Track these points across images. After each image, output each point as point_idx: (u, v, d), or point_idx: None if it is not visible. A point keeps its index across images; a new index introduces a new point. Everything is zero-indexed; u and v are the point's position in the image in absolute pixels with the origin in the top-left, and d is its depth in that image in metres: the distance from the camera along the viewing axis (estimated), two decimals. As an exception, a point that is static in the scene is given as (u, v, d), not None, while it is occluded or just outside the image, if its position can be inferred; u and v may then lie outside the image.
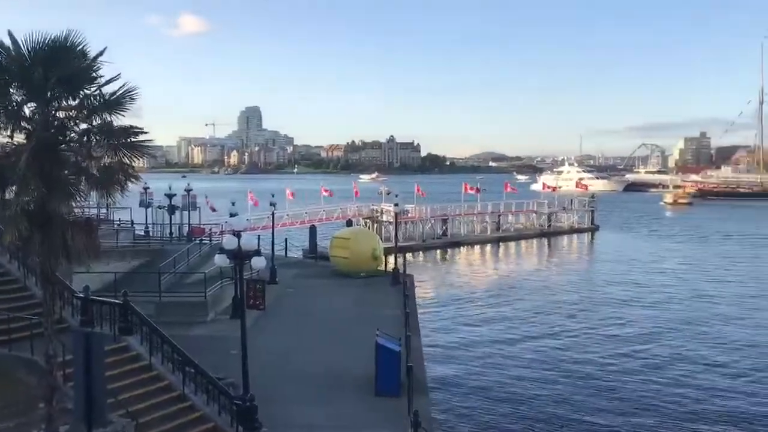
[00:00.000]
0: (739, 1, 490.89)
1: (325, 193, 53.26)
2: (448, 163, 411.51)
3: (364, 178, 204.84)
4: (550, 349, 23.39)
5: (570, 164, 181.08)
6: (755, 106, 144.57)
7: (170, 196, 29.83)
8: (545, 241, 57.74)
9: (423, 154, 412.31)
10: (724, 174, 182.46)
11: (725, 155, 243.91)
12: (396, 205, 31.58)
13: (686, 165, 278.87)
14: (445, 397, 18.47)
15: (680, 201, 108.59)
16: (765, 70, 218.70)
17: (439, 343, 24.00)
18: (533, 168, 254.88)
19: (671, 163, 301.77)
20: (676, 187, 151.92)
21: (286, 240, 35.68)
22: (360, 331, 17.84)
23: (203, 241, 27.13)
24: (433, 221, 54.22)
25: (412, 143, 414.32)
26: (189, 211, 32.12)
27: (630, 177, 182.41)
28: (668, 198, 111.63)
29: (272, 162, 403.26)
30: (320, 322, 20.24)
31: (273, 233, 28.05)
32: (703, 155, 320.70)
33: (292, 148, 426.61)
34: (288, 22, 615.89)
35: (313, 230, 39.37)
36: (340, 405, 13.36)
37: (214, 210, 40.60)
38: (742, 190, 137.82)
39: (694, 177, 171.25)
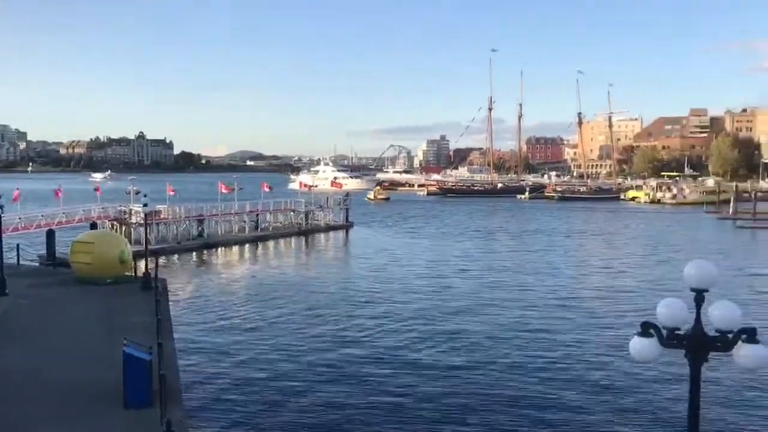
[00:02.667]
0: (467, 17, 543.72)
1: (61, 194, 48.77)
2: (203, 161, 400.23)
3: (97, 176, 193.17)
4: (314, 350, 23.65)
5: (326, 164, 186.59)
6: (485, 113, 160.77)
7: None
8: (303, 239, 58.82)
9: (177, 152, 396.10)
10: (461, 174, 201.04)
11: (462, 156, 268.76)
12: (145, 205, 29.81)
13: (429, 165, 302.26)
14: (202, 402, 17.86)
15: (379, 197, 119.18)
16: (493, 81, 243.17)
17: (195, 348, 23.14)
18: (290, 167, 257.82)
19: (416, 163, 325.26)
20: (421, 186, 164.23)
21: (18, 246, 32.04)
22: (107, 342, 16.67)
23: None
24: (188, 222, 52.37)
25: (165, 140, 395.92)
26: None
27: (381, 176, 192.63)
28: (371, 195, 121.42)
29: (1, 159, 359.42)
30: (62, 335, 18.44)
31: (0, 239, 24.90)
32: (443, 156, 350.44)
33: (25, 144, 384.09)
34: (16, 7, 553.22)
35: (51, 235, 35.70)
36: (89, 421, 12.29)
37: None
38: (476, 188, 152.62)
39: (435, 176, 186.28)
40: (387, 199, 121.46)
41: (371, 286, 35.82)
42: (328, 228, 65.26)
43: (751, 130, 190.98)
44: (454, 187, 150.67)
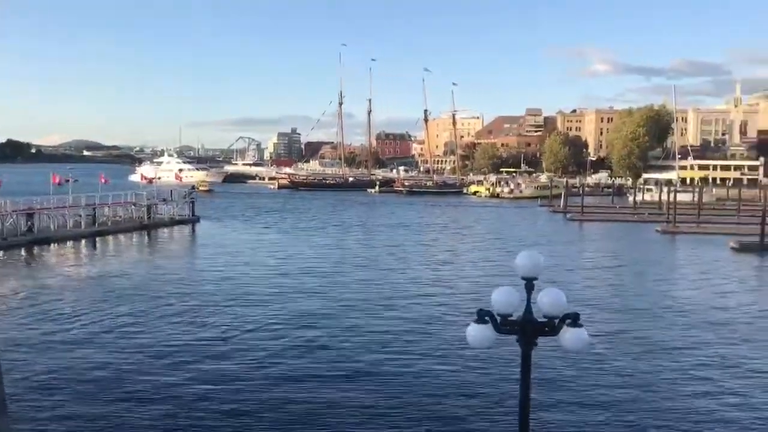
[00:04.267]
0: (317, 9, 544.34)
1: None
2: (34, 151, 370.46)
3: None
4: (150, 357, 22.54)
5: (170, 155, 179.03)
6: (336, 107, 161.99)
7: None
8: (145, 234, 56.12)
9: (2, 140, 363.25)
10: (313, 167, 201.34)
11: (313, 150, 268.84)
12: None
13: (280, 158, 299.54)
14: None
15: (202, 189, 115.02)
16: (343, 75, 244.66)
17: (19, 356, 21.29)
18: (132, 158, 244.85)
19: (267, 156, 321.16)
20: (272, 178, 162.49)
21: None
22: None
23: None
24: (15, 216, 48.15)
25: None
26: None
27: (229, 168, 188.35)
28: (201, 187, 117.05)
29: None
30: None
31: None
32: (294, 149, 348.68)
33: None
34: None
35: None
36: None
37: None
38: (328, 181, 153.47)
39: (287, 169, 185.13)
40: (210, 191, 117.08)
41: (216, 286, 34.78)
42: (173, 222, 62.71)
43: (579, 129, 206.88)
44: (305, 181, 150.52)
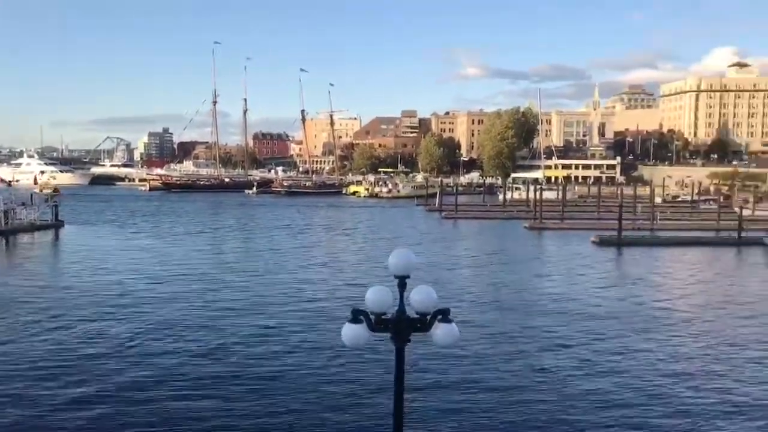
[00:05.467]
0: (190, 6, 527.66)
1: None
2: None
3: None
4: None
5: (30, 156, 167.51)
6: (210, 106, 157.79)
7: None
8: (3, 240, 52.22)
9: None
10: (187, 168, 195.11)
11: (186, 150, 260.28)
12: None
13: (151, 159, 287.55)
14: None
15: (46, 191, 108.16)
16: (218, 73, 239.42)
17: None
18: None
19: (137, 157, 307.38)
20: (142, 180, 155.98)
21: None
22: None
23: None
24: None
25: None
26: None
27: (96, 170, 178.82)
28: (36, 189, 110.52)
29: None
30: None
31: None
32: (166, 149, 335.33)
33: None
34: None
35: None
36: None
37: None
38: (203, 182, 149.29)
39: (158, 170, 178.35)
40: (56, 191, 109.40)
41: (80, 295, 32.93)
42: (34, 228, 58.66)
43: (452, 130, 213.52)
44: (178, 182, 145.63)
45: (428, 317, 7.03)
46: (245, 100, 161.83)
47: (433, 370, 20.14)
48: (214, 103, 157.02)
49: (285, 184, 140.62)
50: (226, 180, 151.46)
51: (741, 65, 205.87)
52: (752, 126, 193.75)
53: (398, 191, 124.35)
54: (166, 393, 18.25)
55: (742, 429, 16.64)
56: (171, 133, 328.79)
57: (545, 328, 26.51)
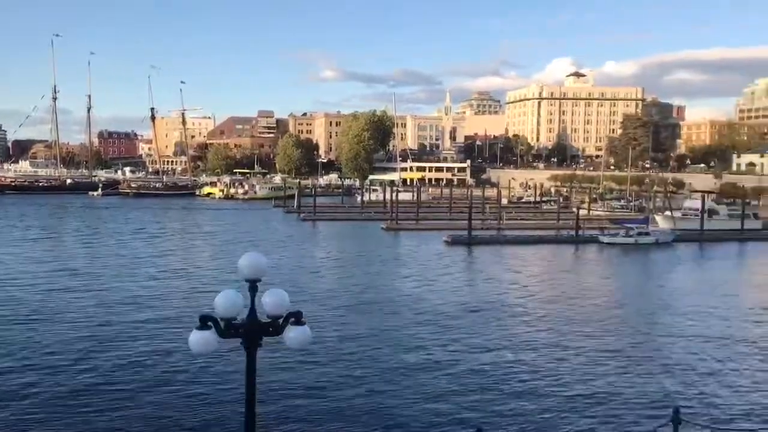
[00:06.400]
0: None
1: None
2: None
3: None
4: None
5: None
6: (49, 102, 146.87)
7: None
8: None
9: None
10: (24, 168, 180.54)
11: (23, 148, 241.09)
12: None
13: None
14: None
15: None
16: (57, 67, 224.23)
17: None
18: None
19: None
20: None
21: None
22: None
23: None
24: None
25: None
26: None
27: None
28: None
29: None
30: None
31: None
32: (0, 148, 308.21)
33: None
34: None
35: None
36: None
37: None
38: (41, 184, 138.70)
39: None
40: None
41: None
42: None
43: (310, 132, 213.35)
44: (14, 184, 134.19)
45: (281, 320, 6.91)
46: (89, 96, 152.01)
47: (286, 374, 19.96)
48: (54, 99, 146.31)
49: (133, 185, 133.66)
50: (68, 181, 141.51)
51: (578, 75, 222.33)
52: (587, 132, 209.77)
53: (255, 193, 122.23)
54: (-3, 413, 16.74)
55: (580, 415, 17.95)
56: (5, 131, 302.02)
57: (399, 328, 27.12)
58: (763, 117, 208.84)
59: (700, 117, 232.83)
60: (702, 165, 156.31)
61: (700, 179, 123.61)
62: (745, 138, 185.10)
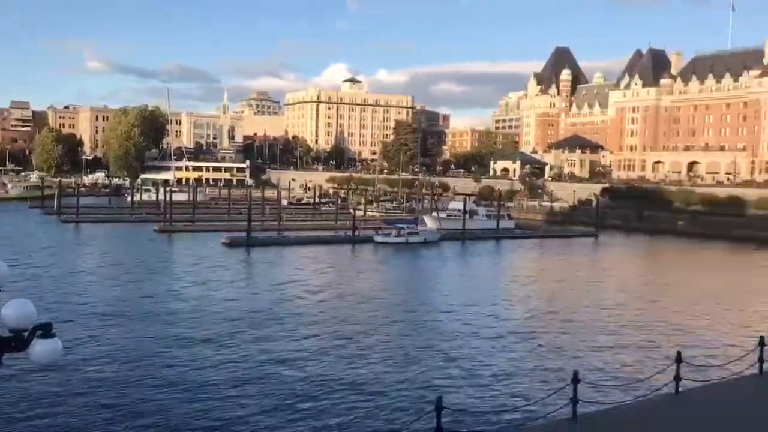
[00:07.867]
0: None
1: None
2: None
3: None
4: None
5: None
6: None
7: None
8: None
9: None
10: None
11: None
12: None
13: None
14: None
15: None
16: None
17: None
18: None
19: None
20: None
21: None
22: None
23: None
24: None
25: None
26: None
27: None
28: None
29: None
30: None
31: None
32: None
33: None
34: None
35: None
36: None
37: None
38: None
39: None
40: None
41: None
42: None
43: (74, 126, 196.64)
44: None
45: (26, 334, 6.19)
46: None
47: (34, 394, 18.20)
48: None
49: None
50: None
51: (353, 81, 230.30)
52: (363, 136, 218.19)
53: (7, 192, 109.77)
54: None
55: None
56: None
57: (176, 335, 26.00)
58: (515, 127, 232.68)
59: (462, 126, 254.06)
60: (463, 170, 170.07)
61: (463, 183, 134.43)
62: (500, 146, 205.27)
